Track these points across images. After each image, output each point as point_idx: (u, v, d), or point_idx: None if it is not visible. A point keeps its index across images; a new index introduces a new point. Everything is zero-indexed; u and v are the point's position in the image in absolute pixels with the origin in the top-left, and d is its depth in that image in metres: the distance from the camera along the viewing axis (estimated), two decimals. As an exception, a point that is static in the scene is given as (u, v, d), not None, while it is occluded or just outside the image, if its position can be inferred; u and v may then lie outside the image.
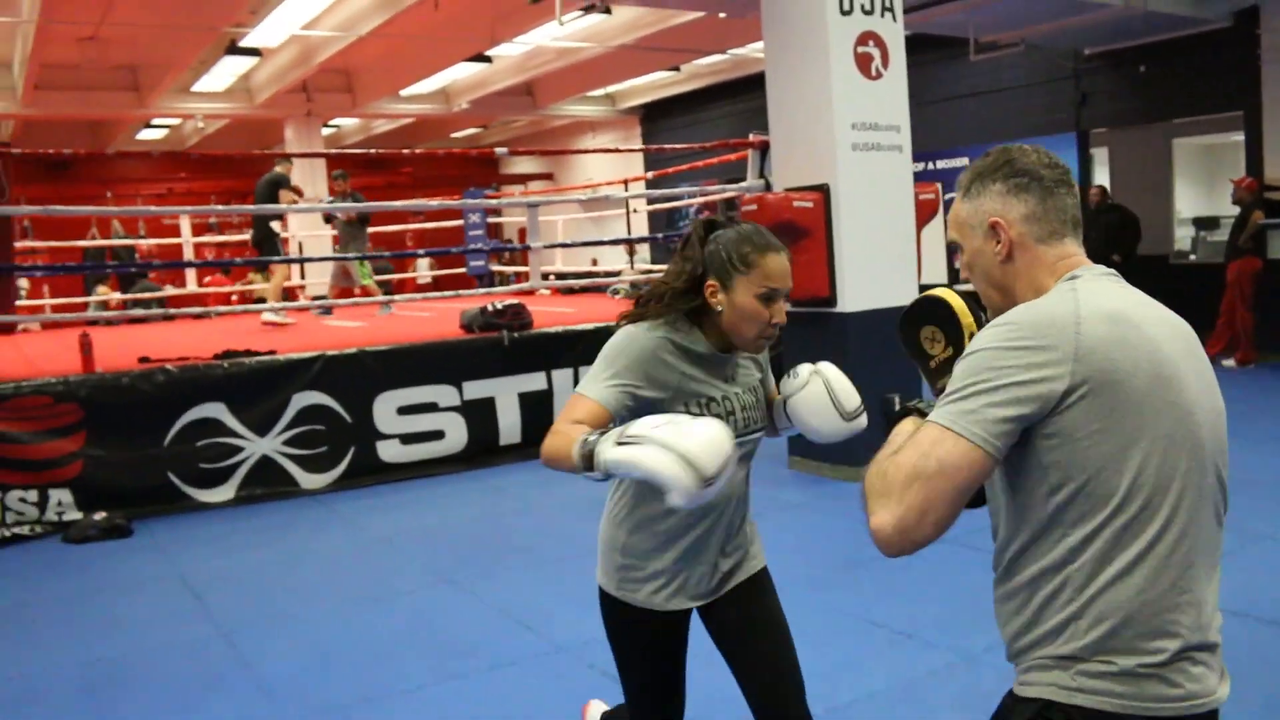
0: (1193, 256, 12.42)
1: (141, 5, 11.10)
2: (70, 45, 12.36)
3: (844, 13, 6.20)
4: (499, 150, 8.93)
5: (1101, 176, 12.77)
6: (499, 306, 7.72)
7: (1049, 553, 1.45)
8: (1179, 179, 12.67)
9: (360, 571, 5.10)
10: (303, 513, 6.27)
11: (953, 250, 1.72)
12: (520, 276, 11.50)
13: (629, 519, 2.12)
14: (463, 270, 15.40)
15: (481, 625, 4.24)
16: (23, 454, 5.92)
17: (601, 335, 1.98)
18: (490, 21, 12.57)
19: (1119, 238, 10.50)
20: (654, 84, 18.02)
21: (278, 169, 9.81)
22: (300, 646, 4.09)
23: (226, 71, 15.07)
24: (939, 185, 7.39)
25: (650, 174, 14.07)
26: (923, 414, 1.60)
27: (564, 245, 11.75)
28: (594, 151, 14.44)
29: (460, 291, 9.54)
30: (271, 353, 6.86)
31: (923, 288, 6.53)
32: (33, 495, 5.93)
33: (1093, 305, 1.45)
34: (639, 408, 1.98)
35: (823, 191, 6.27)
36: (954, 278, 11.54)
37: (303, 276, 12.91)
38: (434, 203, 13.26)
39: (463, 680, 3.68)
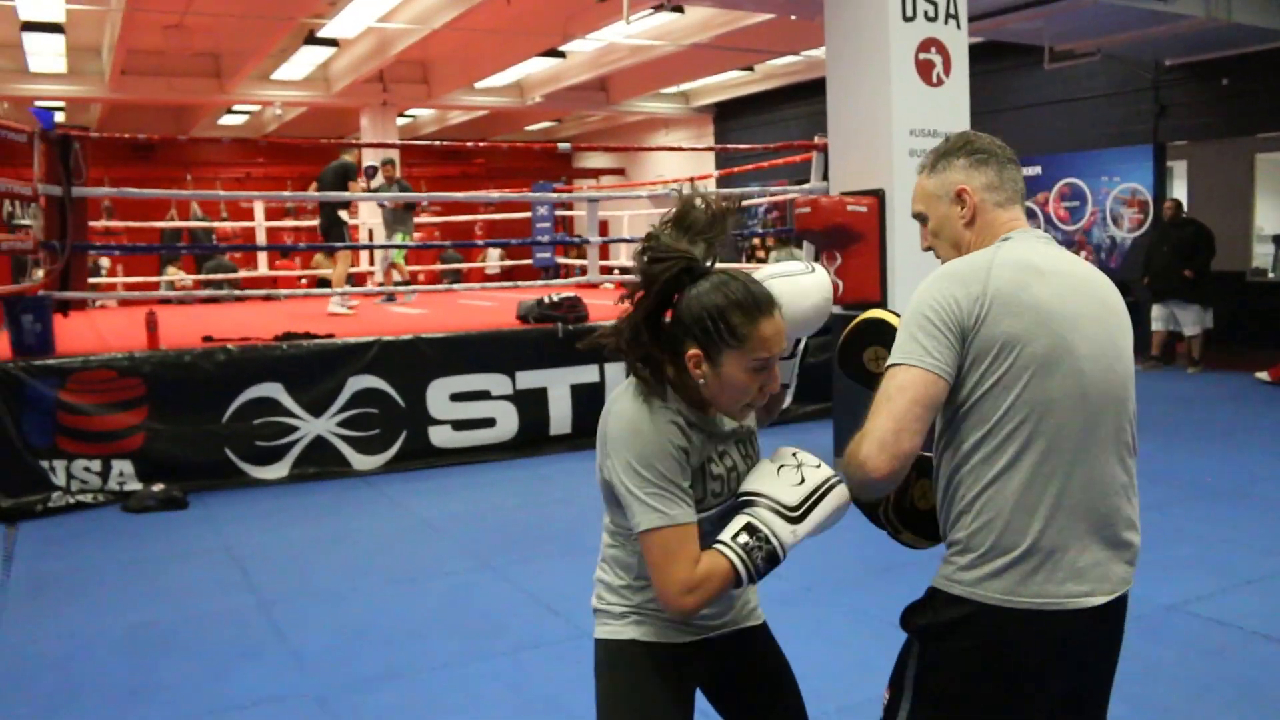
0: (1271, 275, 12.11)
1: (224, -6, 11.45)
2: (155, 32, 12.76)
3: (906, 18, 6.17)
4: (561, 146, 9.03)
5: (1179, 190, 12.49)
6: (555, 298, 7.81)
7: (954, 456, 1.72)
8: (1260, 195, 12.35)
9: (400, 552, 5.21)
10: (352, 493, 6.42)
11: (920, 221, 1.94)
12: (585, 270, 11.60)
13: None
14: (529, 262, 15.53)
15: (511, 609, 4.32)
16: (88, 425, 6.14)
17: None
18: (563, 18, 12.70)
19: (1192, 252, 10.25)
20: (727, 83, 18.01)
21: (345, 158, 9.94)
22: (335, 621, 4.21)
23: (305, 60, 15.44)
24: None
25: (719, 172, 14.06)
26: None
27: (624, 240, 11.80)
28: (657, 149, 14.45)
29: (520, 283, 9.62)
30: (329, 336, 7.03)
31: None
32: (96, 465, 6.16)
33: (1007, 256, 1.72)
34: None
35: (878, 196, 6.25)
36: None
37: (371, 263, 13.14)
38: (494, 195, 13.43)
39: (487, 661, 3.76)
